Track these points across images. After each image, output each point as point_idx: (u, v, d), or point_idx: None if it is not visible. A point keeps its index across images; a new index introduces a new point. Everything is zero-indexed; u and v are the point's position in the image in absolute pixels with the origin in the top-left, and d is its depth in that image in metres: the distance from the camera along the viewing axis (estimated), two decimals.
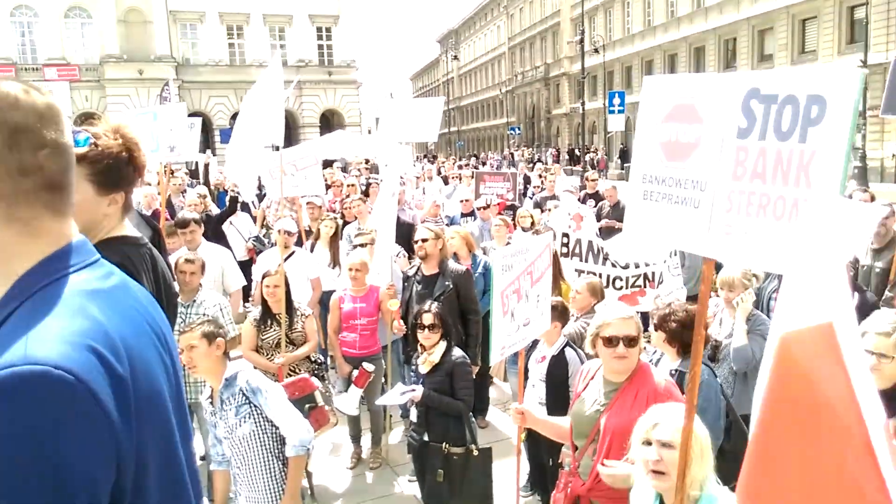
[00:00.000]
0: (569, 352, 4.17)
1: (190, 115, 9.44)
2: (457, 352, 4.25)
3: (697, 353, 2.12)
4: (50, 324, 0.99)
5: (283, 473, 3.26)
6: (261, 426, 3.23)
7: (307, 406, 3.97)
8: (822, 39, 29.61)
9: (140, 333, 1.14)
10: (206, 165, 15.60)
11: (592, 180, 12.04)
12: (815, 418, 1.67)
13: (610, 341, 2.91)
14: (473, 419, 4.30)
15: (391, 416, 5.83)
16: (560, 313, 4.26)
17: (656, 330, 3.37)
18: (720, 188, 1.97)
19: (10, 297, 1.06)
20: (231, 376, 3.26)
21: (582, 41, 36.09)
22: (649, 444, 2.24)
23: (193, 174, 16.47)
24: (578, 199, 10.11)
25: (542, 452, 4.22)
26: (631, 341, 2.90)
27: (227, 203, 8.69)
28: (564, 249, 6.10)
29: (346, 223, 8.26)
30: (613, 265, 5.97)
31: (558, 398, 4.06)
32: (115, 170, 2.22)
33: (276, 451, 3.25)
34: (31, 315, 1.00)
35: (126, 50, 37.90)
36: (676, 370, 3.33)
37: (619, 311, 3.02)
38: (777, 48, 32.02)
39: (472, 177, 12.42)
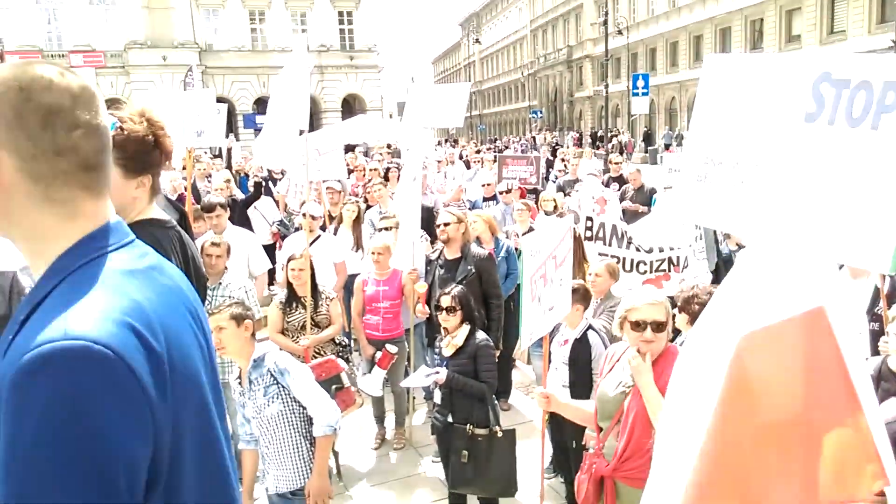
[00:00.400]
0: (591, 335, 4.17)
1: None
2: (480, 335, 4.27)
3: None
4: (89, 301, 1.01)
5: (310, 453, 3.32)
6: (289, 406, 3.28)
7: (334, 387, 4.02)
8: (851, 19, 28.90)
9: (175, 312, 1.16)
10: (230, 150, 15.71)
11: (616, 163, 11.94)
12: (799, 412, 1.61)
13: (637, 325, 2.90)
14: (496, 402, 4.32)
15: (414, 397, 5.88)
16: (582, 296, 4.26)
17: (680, 312, 3.36)
18: (782, 173, 1.92)
19: (49, 276, 1.08)
20: (259, 357, 3.31)
21: (606, 22, 35.64)
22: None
23: (217, 159, 16.59)
24: (602, 183, 10.04)
25: (565, 435, 4.24)
26: (659, 326, 2.89)
27: (253, 188, 8.76)
28: (588, 233, 6.08)
29: (368, 207, 8.30)
30: (637, 249, 5.93)
31: (581, 381, 4.07)
32: (142, 153, 2.25)
33: (304, 430, 3.31)
34: (70, 293, 1.02)
35: (150, 36, 38.18)
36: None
37: (648, 295, 3.01)
38: (805, 28, 31.33)
39: (495, 161, 12.38)
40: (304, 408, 3.28)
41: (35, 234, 1.10)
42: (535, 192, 10.16)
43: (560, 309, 3.42)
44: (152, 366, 1.01)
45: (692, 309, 3.27)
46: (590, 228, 6.11)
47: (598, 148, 31.54)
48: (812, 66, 1.85)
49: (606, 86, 36.95)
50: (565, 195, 9.30)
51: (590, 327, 4.22)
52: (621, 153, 29.47)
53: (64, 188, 1.09)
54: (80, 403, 0.92)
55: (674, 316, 3.55)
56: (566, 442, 4.25)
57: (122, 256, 1.13)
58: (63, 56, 36.46)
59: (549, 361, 3.99)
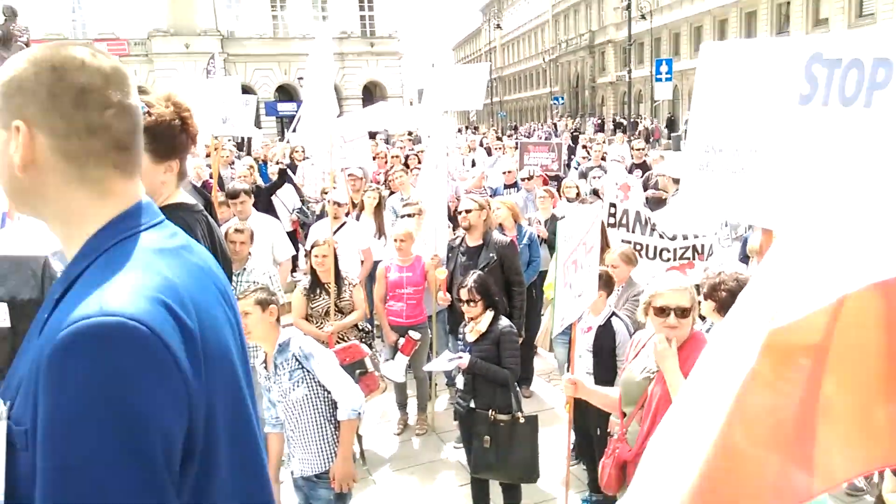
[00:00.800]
0: (615, 321, 4.16)
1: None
2: (504, 321, 4.27)
3: None
4: (123, 278, 1.02)
5: (335, 436, 3.35)
6: (313, 390, 3.31)
7: (357, 372, 4.06)
8: (881, 0, 28.25)
9: (206, 291, 1.17)
10: (250, 138, 15.81)
11: (639, 150, 11.83)
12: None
13: (662, 311, 2.89)
14: (518, 388, 4.33)
15: (436, 384, 5.91)
16: (605, 282, 4.24)
17: (706, 299, 3.33)
18: (781, 157, 1.91)
19: (82, 255, 1.10)
20: (284, 342, 3.34)
21: (629, 7, 35.17)
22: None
23: (239, 146, 16.72)
24: (625, 169, 9.96)
25: (588, 422, 4.24)
26: (683, 312, 2.88)
27: (277, 175, 8.82)
28: (611, 220, 6.04)
29: (391, 194, 8.31)
30: (661, 236, 5.89)
31: (605, 368, 4.06)
32: (170, 137, 2.27)
33: (329, 414, 3.34)
34: (103, 271, 1.04)
35: (172, 24, 38.42)
36: None
37: (673, 281, 2.99)
38: (833, 11, 30.68)
39: (516, 148, 12.32)
40: (329, 392, 3.31)
41: (68, 214, 1.12)
42: (557, 178, 10.11)
43: (588, 295, 3.41)
44: (185, 342, 1.03)
45: (719, 296, 3.25)
46: (613, 215, 6.07)
47: (618, 134, 31.19)
48: (804, 48, 1.83)
49: (629, 71, 36.54)
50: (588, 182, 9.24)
51: (614, 314, 4.20)
52: (648, 140, 29.08)
53: (97, 167, 1.11)
54: (116, 378, 0.94)
55: (699, 303, 3.53)
56: (589, 429, 4.25)
57: (153, 236, 1.14)
58: (88, 45, 36.82)
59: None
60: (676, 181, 8.48)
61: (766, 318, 1.63)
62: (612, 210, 6.07)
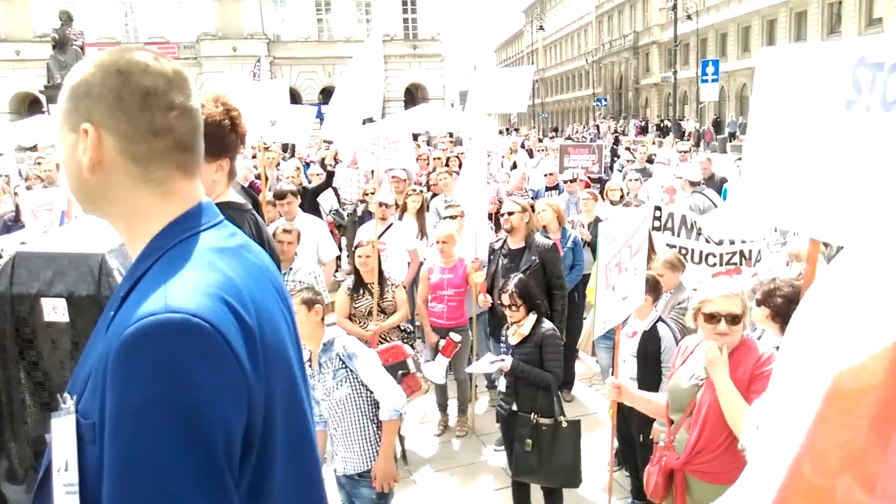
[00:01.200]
0: (661, 327, 4.10)
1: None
2: (547, 324, 4.25)
3: None
4: (185, 276, 1.05)
5: (377, 435, 3.38)
6: (356, 390, 3.34)
7: (400, 372, 4.08)
8: None
9: (264, 289, 1.19)
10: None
11: (683, 152, 11.64)
12: None
13: (712, 317, 2.84)
14: (559, 392, 4.30)
15: (476, 386, 5.91)
16: (652, 287, 4.18)
17: (759, 305, 3.26)
18: (828, 165, 1.86)
19: (146, 254, 1.13)
20: (329, 341, 3.38)
21: (675, 7, 34.65)
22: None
23: (284, 147, 16.97)
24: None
25: (631, 428, 4.19)
26: (734, 319, 2.82)
27: (325, 177, 8.94)
28: (656, 223, 5.96)
29: (433, 196, 8.34)
30: (707, 241, 5.78)
31: (650, 374, 4.00)
32: (220, 137, 2.32)
33: (371, 414, 3.37)
34: (167, 270, 1.07)
35: (220, 28, 39.25)
36: (779, 347, 3.21)
37: (724, 287, 2.93)
38: (887, 10, 29.68)
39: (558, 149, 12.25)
40: (371, 392, 3.34)
41: (133, 213, 1.15)
42: (600, 181, 10.01)
43: (634, 299, 3.37)
44: (246, 339, 1.05)
45: (774, 302, 3.17)
46: (658, 218, 5.98)
47: (664, 136, 30.73)
48: (850, 51, 1.77)
49: (675, 72, 35.96)
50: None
51: (659, 319, 4.14)
52: (697, 144, 28.48)
53: (160, 168, 1.14)
54: (180, 373, 0.97)
55: (750, 309, 3.45)
56: (633, 435, 4.20)
57: (213, 235, 1.17)
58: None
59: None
60: (694, 184, 8.32)
61: (829, 359, 1.57)
62: (658, 213, 5.98)
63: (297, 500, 1.22)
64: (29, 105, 35.07)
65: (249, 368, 1.04)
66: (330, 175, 9.06)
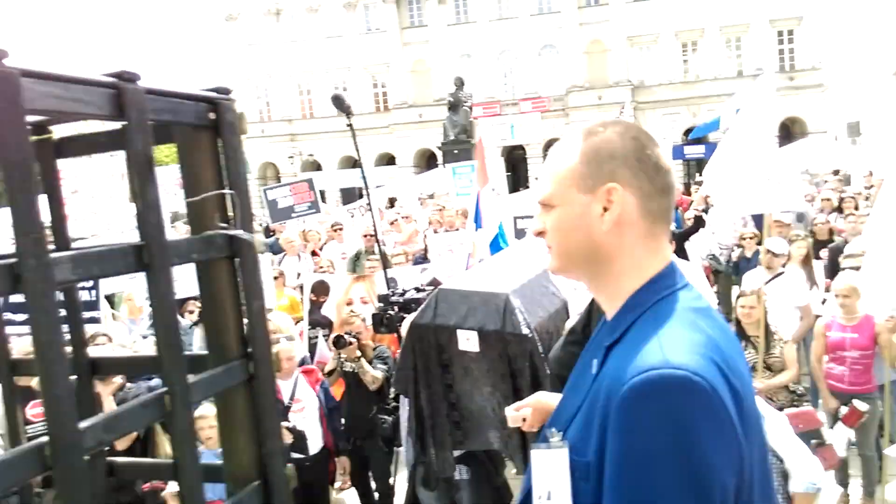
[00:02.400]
0: None
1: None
2: None
3: None
4: (676, 334, 1.07)
5: None
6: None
7: (813, 441, 3.66)
8: None
9: (737, 353, 1.17)
10: None
11: None
12: None
13: None
14: None
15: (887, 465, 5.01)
16: None
17: None
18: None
19: (628, 308, 1.18)
20: None
21: None
22: None
23: None
24: None
25: None
26: None
27: (694, 220, 8.67)
28: None
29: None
30: None
31: None
32: None
33: (776, 483, 3.08)
34: (654, 325, 1.10)
35: (588, 79, 41.09)
36: None
37: None
38: None
39: None
40: (781, 460, 3.05)
41: (629, 269, 1.20)
42: None
43: None
44: (734, 401, 1.04)
45: None
46: None
47: None
48: None
49: None
50: None
51: None
52: None
53: (660, 224, 1.21)
54: (685, 427, 0.99)
55: None
56: None
57: (687, 295, 1.18)
58: (515, 104, 41.73)
59: None
60: None
61: None
62: None
63: None
64: (427, 160, 41.11)
65: (740, 431, 1.03)
66: (699, 220, 8.73)
